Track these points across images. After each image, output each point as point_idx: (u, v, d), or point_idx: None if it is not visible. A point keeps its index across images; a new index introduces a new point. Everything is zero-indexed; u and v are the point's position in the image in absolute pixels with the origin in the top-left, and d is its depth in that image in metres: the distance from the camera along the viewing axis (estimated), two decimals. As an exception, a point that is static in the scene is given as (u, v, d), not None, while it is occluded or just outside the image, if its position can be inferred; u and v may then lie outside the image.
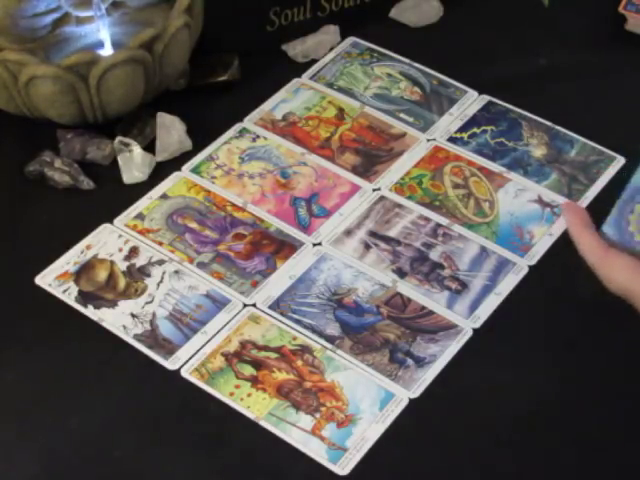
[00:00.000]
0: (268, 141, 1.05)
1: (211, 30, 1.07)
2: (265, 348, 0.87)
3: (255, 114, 1.07)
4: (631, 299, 0.69)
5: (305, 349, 0.87)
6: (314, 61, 1.13)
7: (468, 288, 0.91)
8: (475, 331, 0.88)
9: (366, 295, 0.91)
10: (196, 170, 1.02)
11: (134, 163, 1.00)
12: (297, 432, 0.81)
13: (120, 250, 0.95)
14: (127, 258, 0.94)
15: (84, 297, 0.91)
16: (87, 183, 1.00)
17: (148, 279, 0.92)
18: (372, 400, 0.83)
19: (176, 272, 0.93)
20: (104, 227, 0.97)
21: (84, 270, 0.93)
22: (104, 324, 0.89)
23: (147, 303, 0.90)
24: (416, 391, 0.84)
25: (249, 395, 0.84)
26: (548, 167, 1.02)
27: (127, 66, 0.97)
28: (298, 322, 0.89)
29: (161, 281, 0.92)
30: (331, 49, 1.15)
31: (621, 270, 0.68)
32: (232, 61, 1.10)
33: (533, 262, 0.94)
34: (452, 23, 1.19)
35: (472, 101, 1.09)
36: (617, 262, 0.69)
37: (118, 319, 0.89)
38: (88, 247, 0.95)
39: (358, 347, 0.87)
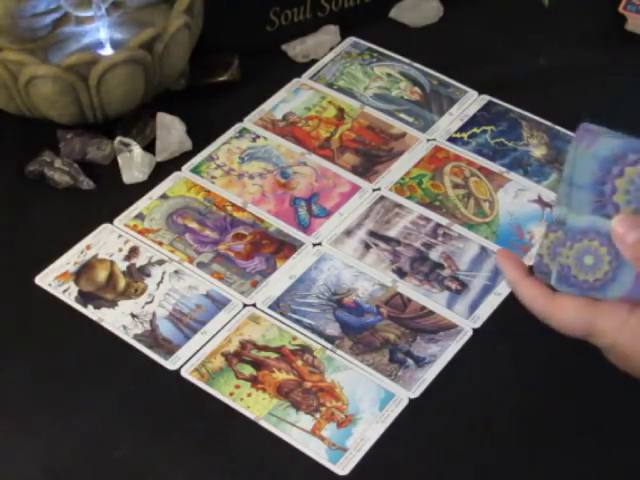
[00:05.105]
0: (268, 141, 1.05)
1: (211, 30, 1.07)
2: (265, 348, 0.87)
3: (255, 114, 1.07)
4: (592, 338, 0.64)
5: (305, 349, 0.87)
6: (314, 61, 1.13)
7: (468, 288, 0.91)
8: (475, 331, 0.88)
9: (366, 295, 0.91)
10: (196, 170, 1.02)
11: (134, 163, 1.00)
12: (297, 432, 0.81)
13: (120, 250, 0.95)
14: (127, 258, 0.94)
15: (84, 297, 0.91)
16: (87, 183, 1.00)
17: (148, 279, 0.92)
18: (372, 400, 0.83)
19: (176, 272, 0.93)
20: (104, 227, 0.97)
21: (84, 270, 0.93)
22: (104, 324, 0.89)
23: (147, 303, 0.90)
24: (416, 391, 0.84)
25: (249, 395, 0.84)
26: (548, 167, 1.02)
27: (127, 66, 0.97)
28: (298, 322, 0.89)
29: (161, 281, 0.92)
30: (331, 49, 1.15)
31: (575, 311, 0.62)
32: (232, 61, 1.10)
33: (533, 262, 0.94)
34: (452, 23, 1.19)
35: (472, 101, 1.09)
36: (568, 304, 0.63)
37: (118, 319, 0.89)
38: (88, 247, 0.95)
39: (358, 347, 0.87)
